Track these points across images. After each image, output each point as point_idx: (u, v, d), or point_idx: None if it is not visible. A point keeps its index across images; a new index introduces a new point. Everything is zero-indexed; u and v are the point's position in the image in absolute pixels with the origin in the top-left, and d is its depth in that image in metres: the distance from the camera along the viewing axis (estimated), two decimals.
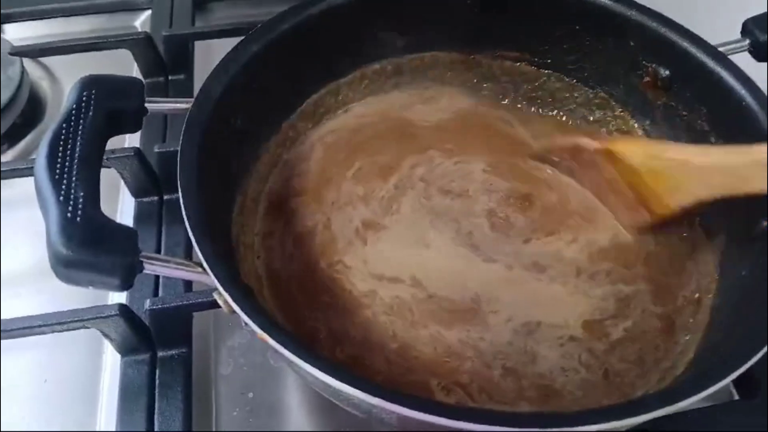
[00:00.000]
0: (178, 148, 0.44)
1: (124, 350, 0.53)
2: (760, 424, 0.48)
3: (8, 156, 0.70)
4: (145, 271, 0.38)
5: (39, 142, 0.68)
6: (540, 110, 0.63)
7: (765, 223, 0.46)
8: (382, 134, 0.60)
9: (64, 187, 0.38)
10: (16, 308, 0.56)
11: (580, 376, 0.46)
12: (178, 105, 0.48)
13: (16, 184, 0.63)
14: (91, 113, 0.42)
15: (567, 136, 0.58)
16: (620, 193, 0.53)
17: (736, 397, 0.52)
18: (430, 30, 0.61)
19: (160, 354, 0.53)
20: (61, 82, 0.77)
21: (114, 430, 0.50)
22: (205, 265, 0.38)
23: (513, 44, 0.62)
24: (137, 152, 0.60)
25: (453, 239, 0.54)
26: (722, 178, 0.46)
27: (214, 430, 0.52)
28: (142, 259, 0.38)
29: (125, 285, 0.37)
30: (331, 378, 0.34)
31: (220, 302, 0.40)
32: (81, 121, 0.41)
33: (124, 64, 0.75)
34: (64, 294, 0.54)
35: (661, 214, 0.51)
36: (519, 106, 0.64)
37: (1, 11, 0.80)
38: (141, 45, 0.73)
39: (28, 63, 0.75)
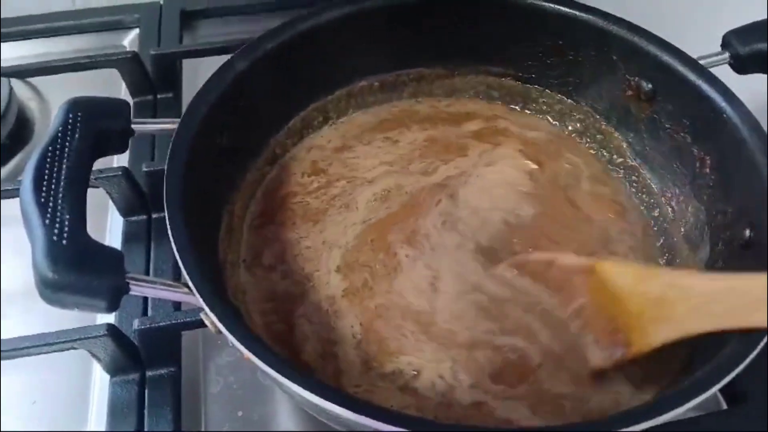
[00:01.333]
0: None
1: (113, 370, 0.53)
2: None
3: None
4: (131, 293, 0.38)
5: (26, 163, 0.70)
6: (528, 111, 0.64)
7: (748, 233, 0.47)
8: (368, 150, 0.61)
9: (50, 209, 0.38)
10: (4, 330, 0.55)
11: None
12: (164, 126, 0.48)
13: (4, 205, 0.63)
14: (77, 135, 0.42)
15: (546, 252, 0.52)
16: (594, 324, 0.47)
17: (725, 406, 0.52)
18: (415, 47, 0.62)
19: (149, 373, 0.53)
20: (50, 102, 0.77)
21: None
22: (191, 285, 0.38)
23: (497, 59, 0.62)
24: (125, 171, 0.60)
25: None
26: (721, 307, 0.41)
27: None
28: (128, 281, 0.38)
29: (112, 307, 0.37)
30: (316, 397, 0.34)
31: (207, 323, 0.40)
32: (67, 143, 0.41)
33: (112, 84, 0.75)
34: (53, 315, 0.53)
35: (641, 348, 0.44)
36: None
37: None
38: (129, 64, 0.73)
39: (15, 83, 0.75)
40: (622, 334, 0.45)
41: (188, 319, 0.52)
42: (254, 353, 0.36)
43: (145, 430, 0.50)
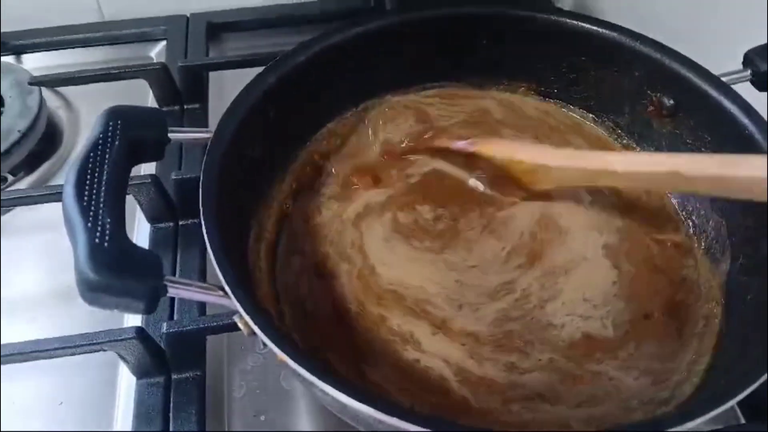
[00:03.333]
0: (196, 174, 0.46)
1: (140, 373, 0.54)
2: None
3: (26, 183, 0.71)
4: (168, 295, 0.39)
5: (56, 169, 0.72)
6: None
7: (767, 246, 0.47)
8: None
9: (92, 213, 0.39)
10: (32, 332, 0.56)
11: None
12: (198, 135, 0.49)
13: (33, 210, 0.65)
14: (117, 143, 0.43)
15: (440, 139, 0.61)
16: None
17: (743, 421, 0.52)
18: (441, 62, 0.63)
19: (174, 377, 0.54)
20: (78, 111, 0.78)
21: None
22: (226, 288, 0.39)
23: (520, 75, 0.64)
24: (154, 179, 0.62)
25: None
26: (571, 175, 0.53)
27: None
28: (165, 283, 0.39)
29: (150, 308, 0.38)
30: (352, 400, 0.35)
31: (240, 324, 0.41)
32: (107, 150, 0.42)
33: (139, 94, 0.77)
34: (80, 320, 0.56)
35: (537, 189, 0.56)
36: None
37: (22, 42, 0.82)
38: (157, 75, 0.75)
39: (46, 92, 0.77)
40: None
41: (215, 324, 0.53)
42: (288, 354, 0.36)
43: (171, 431, 0.51)
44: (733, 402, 0.36)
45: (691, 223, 0.56)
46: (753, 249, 0.49)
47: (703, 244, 0.55)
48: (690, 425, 0.36)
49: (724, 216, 0.53)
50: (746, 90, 0.53)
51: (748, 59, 0.54)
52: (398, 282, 0.53)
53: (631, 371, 0.48)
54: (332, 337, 0.50)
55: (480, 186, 0.59)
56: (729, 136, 0.51)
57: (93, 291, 0.37)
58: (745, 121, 0.50)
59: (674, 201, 0.58)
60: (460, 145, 0.59)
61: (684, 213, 0.57)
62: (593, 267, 0.54)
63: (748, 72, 0.53)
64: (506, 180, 0.57)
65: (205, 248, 0.61)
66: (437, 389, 0.46)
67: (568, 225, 0.56)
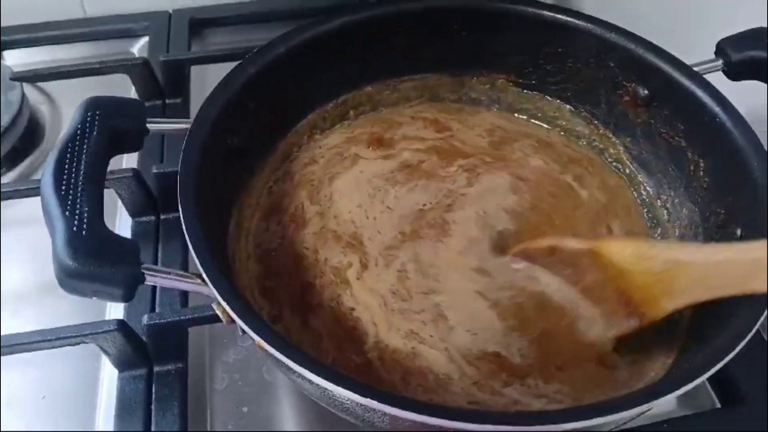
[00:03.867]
0: (178, 168, 0.46)
1: (122, 365, 0.54)
2: (742, 431, 0.49)
3: (8, 178, 0.71)
4: (146, 282, 0.40)
5: (38, 164, 0.72)
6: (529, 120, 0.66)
7: (739, 231, 0.48)
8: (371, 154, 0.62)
9: (69, 202, 0.39)
10: (15, 326, 0.56)
11: None
12: (177, 125, 0.49)
13: (15, 205, 0.64)
14: (95, 133, 0.43)
15: (545, 238, 0.53)
16: (605, 296, 0.48)
17: (718, 405, 0.53)
18: (420, 54, 0.63)
19: (156, 369, 0.54)
20: (60, 106, 0.78)
21: None
22: (204, 276, 0.40)
23: (499, 66, 0.64)
24: (135, 173, 0.62)
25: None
26: (721, 278, 0.42)
27: None
28: (143, 271, 0.39)
29: (128, 295, 0.39)
30: (326, 381, 0.35)
31: (218, 312, 0.41)
32: (86, 140, 0.43)
33: (121, 89, 0.77)
34: (63, 313, 0.57)
35: (653, 318, 0.46)
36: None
37: (2, 38, 0.82)
38: (139, 70, 0.75)
39: (27, 88, 0.77)
40: (632, 306, 0.46)
41: (196, 315, 0.53)
42: (266, 340, 0.37)
43: (153, 424, 0.51)
44: (700, 380, 0.37)
45: (665, 211, 0.57)
46: (724, 235, 0.50)
47: (677, 231, 0.56)
48: (658, 402, 0.36)
49: (697, 204, 0.54)
50: (718, 80, 0.53)
51: (720, 49, 0.54)
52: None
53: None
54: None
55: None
56: (702, 125, 0.52)
57: (71, 278, 0.37)
58: (717, 109, 0.51)
59: (649, 189, 0.59)
60: (569, 243, 0.50)
61: (659, 201, 0.58)
62: None
63: (720, 62, 0.54)
64: (616, 297, 0.48)
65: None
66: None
67: None
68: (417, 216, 0.57)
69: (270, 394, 0.55)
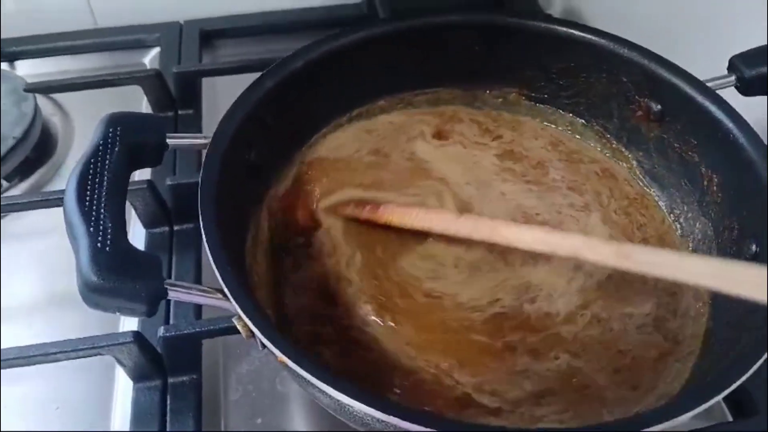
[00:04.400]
0: (191, 179, 0.46)
1: (137, 377, 0.54)
2: None
3: (20, 189, 0.71)
4: (168, 297, 0.40)
5: (50, 176, 0.73)
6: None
7: (754, 247, 0.48)
8: (386, 166, 0.62)
9: (93, 217, 0.40)
10: (29, 338, 0.56)
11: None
12: (196, 141, 0.50)
13: (26, 217, 0.65)
14: (117, 148, 0.44)
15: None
16: None
17: (730, 418, 0.53)
18: (432, 68, 0.63)
19: (171, 380, 0.54)
20: (72, 117, 0.79)
21: None
22: (225, 290, 0.40)
23: (511, 80, 0.64)
24: (150, 185, 0.62)
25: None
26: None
27: None
28: (166, 286, 0.40)
29: (151, 311, 0.39)
30: (352, 400, 0.35)
31: (239, 326, 0.41)
32: (108, 155, 0.43)
33: (133, 100, 0.78)
34: (74, 325, 0.57)
35: None
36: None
37: (15, 49, 0.82)
38: (152, 81, 0.75)
39: (40, 99, 0.77)
40: None
41: (210, 327, 0.53)
42: (288, 356, 0.37)
43: None
44: (717, 398, 0.37)
45: (678, 226, 0.57)
46: (738, 250, 0.50)
47: (690, 245, 0.56)
48: (675, 422, 0.36)
49: (711, 218, 0.54)
50: (731, 95, 0.54)
51: (733, 65, 0.55)
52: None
53: None
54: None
55: None
56: (715, 140, 0.52)
57: (96, 294, 0.38)
58: (730, 125, 0.51)
59: (662, 203, 0.59)
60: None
61: (672, 216, 0.58)
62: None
63: (733, 77, 0.54)
64: None
65: (200, 253, 0.62)
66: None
67: None
68: None
69: (284, 405, 0.55)
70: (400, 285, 0.53)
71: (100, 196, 0.41)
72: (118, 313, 0.39)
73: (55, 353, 0.52)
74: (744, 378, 0.38)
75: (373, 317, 0.51)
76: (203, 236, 0.42)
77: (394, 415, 0.35)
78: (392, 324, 0.50)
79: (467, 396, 0.47)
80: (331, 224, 0.57)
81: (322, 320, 0.51)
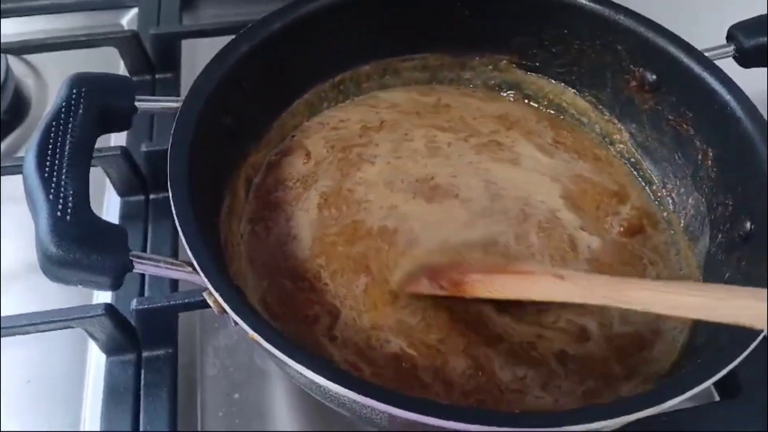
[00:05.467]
0: (168, 147, 0.44)
1: (110, 350, 0.53)
2: (741, 424, 0.49)
3: None
4: (134, 270, 0.38)
5: (23, 140, 0.70)
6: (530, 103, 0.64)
7: (749, 224, 0.47)
8: (368, 132, 0.61)
9: (53, 185, 0.38)
10: (2, 308, 0.55)
11: None
12: (168, 104, 0.48)
13: (2, 182, 0.63)
14: (81, 111, 0.41)
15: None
16: None
17: (717, 398, 0.53)
18: (420, 33, 0.61)
19: (145, 354, 0.53)
20: (46, 79, 0.76)
21: (99, 430, 0.50)
22: (195, 264, 0.38)
23: (502, 47, 0.62)
24: (124, 151, 0.60)
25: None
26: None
27: (199, 430, 0.51)
28: (132, 258, 0.38)
29: (115, 284, 0.37)
30: (327, 381, 0.34)
31: (210, 302, 0.40)
32: (71, 118, 0.41)
33: (110, 62, 0.75)
34: (52, 294, 0.54)
35: None
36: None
37: None
38: (128, 43, 0.73)
39: (12, 60, 0.74)
40: None
41: (186, 300, 0.52)
42: (260, 333, 0.35)
43: (141, 410, 0.50)
44: (710, 382, 0.36)
45: (671, 201, 0.56)
46: (731, 226, 0.49)
47: (682, 221, 0.55)
48: (669, 404, 0.35)
49: (704, 194, 0.53)
50: (730, 66, 0.52)
51: (732, 34, 0.53)
52: None
53: None
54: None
55: None
56: (711, 112, 0.51)
57: (55, 266, 0.36)
58: (727, 97, 0.50)
59: (655, 176, 0.58)
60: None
61: (665, 190, 0.57)
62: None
63: (732, 48, 0.53)
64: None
65: None
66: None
67: None
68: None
69: (261, 380, 0.54)
70: None
71: (61, 162, 0.39)
72: (80, 286, 0.37)
73: (24, 325, 0.50)
74: (738, 361, 0.36)
75: None
76: (172, 204, 0.41)
77: (370, 397, 0.34)
78: None
79: None
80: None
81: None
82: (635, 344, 0.48)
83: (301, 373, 0.35)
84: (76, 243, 0.36)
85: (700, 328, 0.47)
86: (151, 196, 0.63)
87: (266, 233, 0.53)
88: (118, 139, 0.66)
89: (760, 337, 0.38)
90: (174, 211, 0.40)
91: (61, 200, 0.37)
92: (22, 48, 0.74)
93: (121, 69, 0.75)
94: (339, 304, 0.49)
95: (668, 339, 0.49)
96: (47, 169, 0.38)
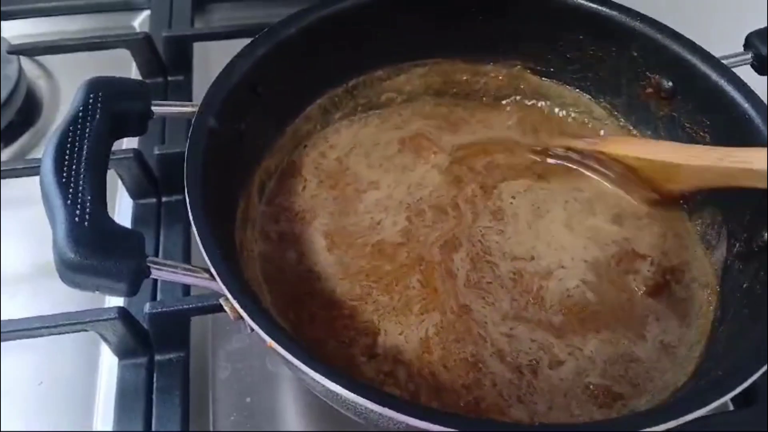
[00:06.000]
0: (180, 149, 0.44)
1: (122, 353, 0.53)
2: None
3: (5, 155, 0.69)
4: (151, 276, 0.38)
5: (36, 142, 0.70)
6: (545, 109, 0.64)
7: (766, 235, 0.47)
8: (385, 138, 0.61)
9: (71, 190, 0.37)
10: (12, 310, 0.55)
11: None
12: (183, 109, 0.48)
13: (13, 184, 0.62)
14: (98, 116, 0.41)
15: (562, 138, 0.60)
16: (632, 182, 0.56)
17: (731, 408, 0.52)
18: (433, 37, 0.61)
19: (157, 358, 0.53)
20: (59, 81, 0.76)
21: None
22: (213, 271, 0.38)
23: (515, 52, 0.62)
24: (137, 154, 0.60)
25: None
26: (714, 176, 0.49)
27: None
28: (149, 264, 0.38)
29: (132, 290, 0.37)
30: (345, 390, 0.34)
31: (226, 308, 0.40)
32: (88, 123, 0.41)
33: (122, 64, 0.75)
34: (61, 296, 0.54)
35: (666, 194, 0.54)
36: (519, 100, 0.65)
37: (0, 9, 0.79)
38: (141, 45, 0.73)
39: (25, 61, 0.74)
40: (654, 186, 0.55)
41: (198, 305, 0.52)
42: (278, 341, 0.35)
43: (153, 413, 0.50)
44: (730, 395, 0.36)
45: (686, 209, 0.56)
46: (750, 236, 0.48)
47: (698, 229, 0.54)
48: (687, 418, 0.35)
49: (719, 203, 0.52)
50: (747, 73, 0.52)
51: (750, 42, 0.53)
52: None
53: None
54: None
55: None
56: (728, 120, 0.51)
57: (73, 272, 0.36)
58: (746, 105, 0.49)
59: None
60: (581, 144, 0.58)
61: (681, 199, 0.56)
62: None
63: (749, 55, 0.53)
64: (636, 182, 0.56)
65: (189, 225, 0.60)
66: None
67: None
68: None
69: (273, 384, 0.54)
70: None
71: (78, 167, 0.39)
72: (97, 292, 0.37)
73: (38, 328, 0.50)
74: (759, 374, 0.36)
75: None
76: (189, 212, 0.40)
77: (389, 407, 0.34)
78: None
79: None
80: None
81: None
82: None
83: (318, 381, 0.35)
84: (94, 249, 0.36)
85: (715, 341, 0.47)
86: (164, 199, 0.63)
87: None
88: (130, 141, 0.65)
89: None
90: (191, 218, 0.40)
91: (78, 206, 0.37)
92: (35, 49, 0.75)
93: (133, 71, 0.75)
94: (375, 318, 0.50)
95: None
96: (65, 174, 0.38)
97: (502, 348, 0.48)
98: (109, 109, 0.43)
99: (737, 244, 0.50)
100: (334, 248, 0.53)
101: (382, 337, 0.48)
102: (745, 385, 0.36)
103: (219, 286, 0.38)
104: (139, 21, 0.84)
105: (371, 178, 0.58)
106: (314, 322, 0.49)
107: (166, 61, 0.74)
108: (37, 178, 0.57)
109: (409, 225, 0.55)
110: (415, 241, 0.54)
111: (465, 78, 0.64)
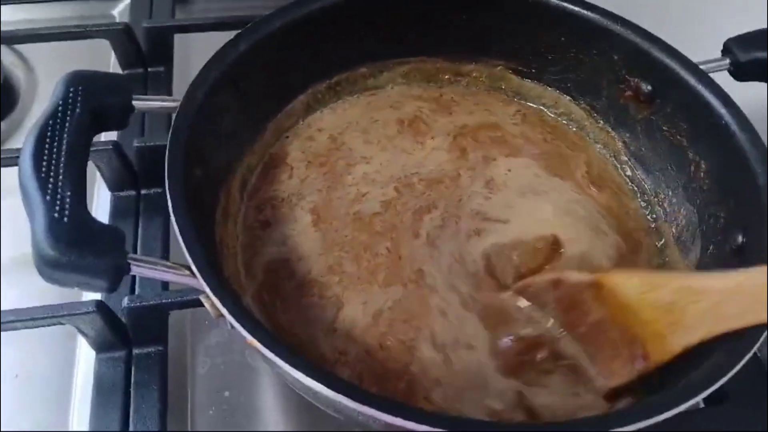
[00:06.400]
0: (160, 142, 0.44)
1: (100, 347, 0.52)
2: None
3: None
4: (131, 273, 0.38)
5: (12, 132, 0.69)
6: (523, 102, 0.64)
7: (740, 238, 0.47)
8: (365, 133, 0.60)
9: (50, 185, 0.37)
10: None
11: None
12: (165, 103, 0.47)
13: None
14: (77, 110, 0.41)
15: (548, 272, 0.50)
16: (607, 337, 0.45)
17: (702, 405, 0.53)
18: (416, 36, 0.61)
19: (135, 351, 0.53)
20: (36, 69, 0.75)
21: (87, 429, 0.50)
22: (193, 268, 0.38)
23: (498, 53, 0.62)
24: (116, 146, 0.60)
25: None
26: (734, 306, 0.40)
27: (189, 429, 0.51)
28: (129, 261, 0.37)
29: (112, 287, 0.37)
30: (324, 388, 0.34)
31: (206, 305, 0.40)
32: (68, 117, 0.40)
33: (101, 54, 0.74)
34: (38, 289, 0.53)
35: (659, 359, 0.43)
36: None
37: None
38: (120, 35, 0.72)
39: (2, 49, 0.73)
40: (639, 346, 0.44)
41: (178, 299, 0.52)
42: (259, 340, 0.35)
43: (131, 407, 0.50)
44: (702, 396, 0.37)
45: (662, 210, 0.57)
46: (723, 239, 0.49)
47: (673, 230, 0.55)
48: (659, 418, 0.36)
49: (695, 205, 0.53)
50: (724, 79, 0.52)
51: (728, 48, 0.54)
52: None
53: None
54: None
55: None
56: (705, 124, 0.51)
57: (51, 268, 0.36)
58: (722, 111, 0.50)
59: (647, 186, 0.58)
60: (573, 276, 0.47)
61: (656, 200, 0.57)
62: None
63: (727, 61, 0.53)
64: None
65: (168, 219, 0.60)
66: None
67: None
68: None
69: (252, 378, 0.54)
70: None
71: (58, 162, 0.38)
72: (76, 288, 0.37)
73: (13, 321, 0.50)
74: (729, 376, 0.37)
75: None
76: (170, 210, 0.40)
77: (369, 406, 0.34)
78: None
79: None
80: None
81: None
82: None
83: (297, 379, 0.35)
84: (73, 245, 0.36)
85: None
86: (143, 192, 0.63)
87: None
88: (109, 133, 0.64)
89: (755, 348, 0.38)
90: (172, 216, 0.40)
91: (57, 201, 0.36)
92: (12, 38, 0.73)
93: (113, 61, 0.74)
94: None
95: None
96: (44, 168, 0.38)
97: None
98: (90, 103, 0.42)
99: (711, 247, 0.50)
100: (320, 222, 0.53)
101: (342, 312, 0.48)
102: (715, 387, 0.37)
103: (200, 283, 0.38)
104: (119, 10, 0.83)
105: (364, 154, 0.58)
106: (287, 303, 0.49)
107: (146, 52, 0.74)
108: (13, 169, 0.57)
109: (397, 195, 0.55)
110: (393, 210, 0.54)
111: (447, 77, 0.64)
